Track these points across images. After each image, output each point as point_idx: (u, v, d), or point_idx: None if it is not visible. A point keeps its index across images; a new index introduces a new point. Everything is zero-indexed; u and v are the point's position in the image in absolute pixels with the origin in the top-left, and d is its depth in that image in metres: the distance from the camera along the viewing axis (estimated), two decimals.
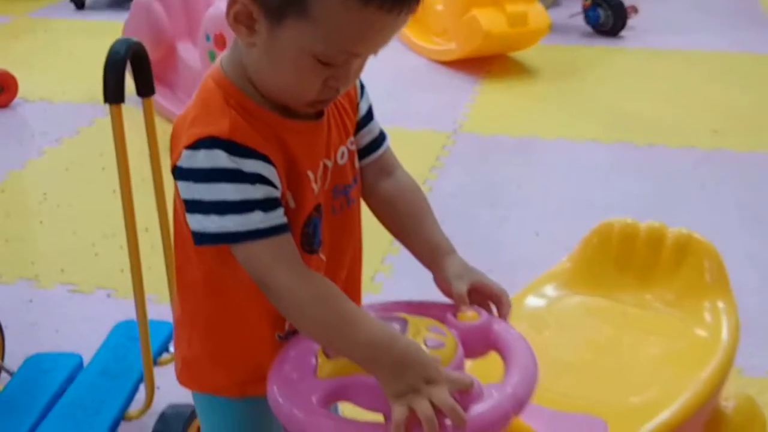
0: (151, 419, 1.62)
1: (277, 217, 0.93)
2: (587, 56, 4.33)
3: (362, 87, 1.10)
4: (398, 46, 4.44)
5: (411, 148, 3.13)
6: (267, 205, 0.92)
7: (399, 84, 3.95)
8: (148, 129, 1.50)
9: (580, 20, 4.66)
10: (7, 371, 1.83)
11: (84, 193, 2.85)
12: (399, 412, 0.86)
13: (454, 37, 4.03)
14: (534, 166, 3.07)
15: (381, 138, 1.12)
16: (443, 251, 1.08)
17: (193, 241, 0.95)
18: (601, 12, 4.56)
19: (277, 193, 0.94)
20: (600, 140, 3.27)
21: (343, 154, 1.04)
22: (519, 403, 0.93)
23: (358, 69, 0.95)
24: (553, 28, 4.48)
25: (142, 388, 1.66)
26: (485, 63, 4.09)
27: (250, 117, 0.94)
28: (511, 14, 3.81)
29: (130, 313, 1.62)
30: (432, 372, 0.88)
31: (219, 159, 0.90)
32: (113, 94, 1.35)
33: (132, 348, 1.75)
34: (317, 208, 1.01)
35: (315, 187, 0.99)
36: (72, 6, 5.34)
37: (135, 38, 1.44)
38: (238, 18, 0.90)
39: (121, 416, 1.63)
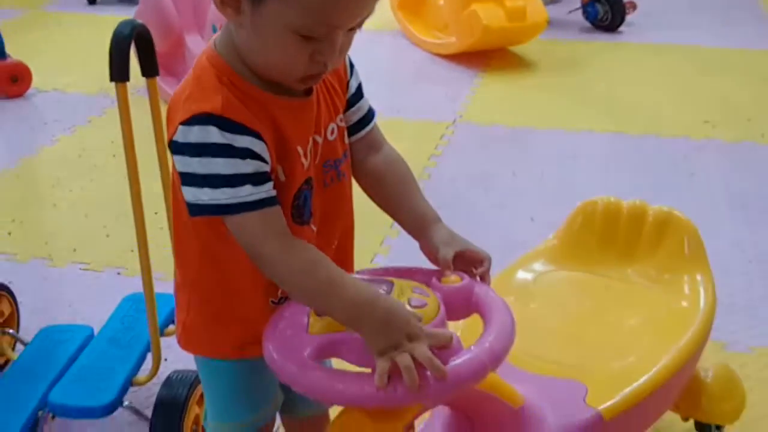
0: (157, 386, 1.68)
1: (266, 190, 0.97)
2: (585, 50, 4.40)
3: (351, 66, 1.14)
4: (401, 40, 4.53)
5: (411, 137, 3.24)
6: (256, 179, 0.96)
7: (402, 77, 4.04)
8: (152, 108, 1.55)
9: (579, 16, 4.73)
10: (22, 342, 1.92)
11: (96, 178, 2.94)
12: (382, 365, 0.92)
13: (455, 31, 4.11)
14: (530, 154, 3.14)
15: (370, 115, 1.16)
16: (430, 220, 1.13)
17: (188, 212, 1.00)
18: (599, 8, 4.62)
19: (266, 168, 0.98)
20: (595, 130, 3.35)
21: (332, 130, 1.09)
22: (495, 357, 0.99)
23: (345, 44, 0.98)
24: (553, 24, 4.55)
25: (149, 357, 1.74)
26: (485, 56, 4.17)
27: (241, 94, 0.98)
28: (510, 9, 3.88)
29: (138, 289, 1.68)
30: (413, 329, 0.93)
31: (212, 134, 0.94)
32: (118, 72, 1.38)
33: (139, 319, 1.82)
34: (307, 181, 1.05)
35: (305, 161, 1.03)
36: (84, 1, 5.43)
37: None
38: (225, 1, 0.94)
39: (130, 382, 1.70)
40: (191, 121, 0.95)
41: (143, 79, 1.55)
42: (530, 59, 4.22)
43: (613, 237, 1.68)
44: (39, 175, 3.08)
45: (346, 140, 1.13)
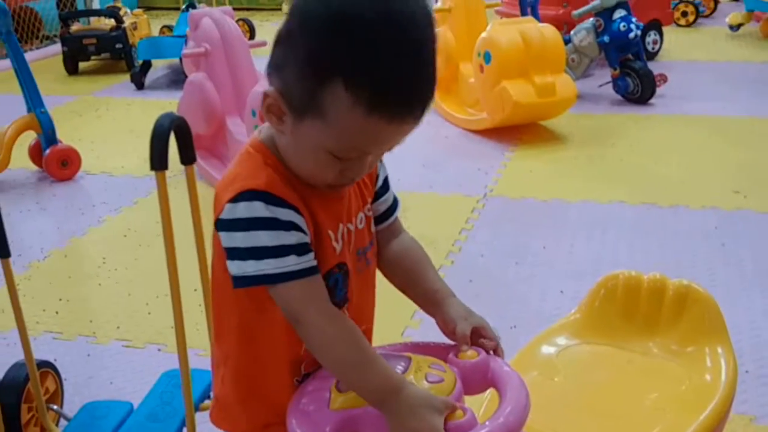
0: None
1: (309, 260, 1.04)
2: (616, 123, 4.46)
3: (380, 160, 1.22)
4: (434, 117, 4.64)
5: (443, 211, 3.30)
6: (300, 249, 1.02)
7: (434, 153, 4.12)
8: (190, 192, 1.64)
9: (609, 89, 4.80)
10: (65, 417, 1.99)
11: (140, 258, 3.05)
12: None
13: (486, 107, 4.21)
14: (560, 227, 3.17)
15: (394, 206, 1.24)
16: (443, 294, 1.18)
17: (232, 285, 1.06)
18: (630, 81, 4.70)
19: (307, 239, 1.04)
20: (625, 202, 3.37)
21: (361, 219, 1.16)
22: (509, 431, 1.01)
23: (373, 162, 1.06)
24: (584, 97, 4.65)
25: (185, 431, 1.79)
26: (516, 131, 4.26)
27: (282, 176, 1.06)
28: (539, 85, 3.97)
29: (177, 365, 1.73)
30: (430, 426, 0.98)
31: (257, 209, 1.01)
32: (158, 162, 1.48)
33: (177, 394, 1.89)
34: (339, 266, 1.11)
35: (336, 246, 1.10)
36: (132, 86, 5.69)
37: (183, 114, 1.59)
38: (270, 109, 1.03)
39: None
40: (237, 198, 1.02)
41: None
42: (561, 133, 4.30)
43: (635, 310, 1.71)
44: (86, 254, 3.20)
45: (373, 229, 1.20)
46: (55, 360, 2.13)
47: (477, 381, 1.11)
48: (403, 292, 1.23)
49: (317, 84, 0.96)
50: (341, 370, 1.05)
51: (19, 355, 1.87)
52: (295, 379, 1.14)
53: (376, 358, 1.03)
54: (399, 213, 1.25)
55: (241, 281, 1.04)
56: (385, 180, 1.23)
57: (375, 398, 1.01)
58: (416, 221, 2.88)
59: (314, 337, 1.04)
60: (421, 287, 1.20)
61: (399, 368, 1.07)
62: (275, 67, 1.02)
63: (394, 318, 2.42)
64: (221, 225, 1.05)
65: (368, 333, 1.22)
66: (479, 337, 1.15)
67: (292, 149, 1.05)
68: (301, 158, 1.05)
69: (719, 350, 1.62)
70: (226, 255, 1.05)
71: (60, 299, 2.77)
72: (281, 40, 1.01)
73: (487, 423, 1.01)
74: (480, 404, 1.44)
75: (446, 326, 1.17)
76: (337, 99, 0.95)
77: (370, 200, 1.19)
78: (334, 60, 0.95)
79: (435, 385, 1.05)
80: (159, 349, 2.43)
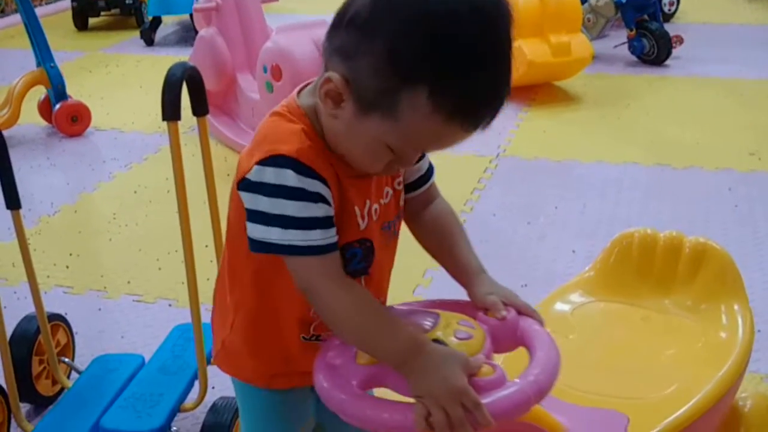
0: (203, 413, 1.75)
1: (333, 235, 1.01)
2: (631, 84, 4.41)
3: None
4: None
5: (455, 171, 3.27)
6: (326, 223, 1.00)
7: None
8: (202, 145, 1.62)
9: (625, 50, 4.74)
10: (77, 370, 2.01)
11: (150, 214, 3.04)
12: (418, 412, 0.95)
13: None
14: (573, 187, 3.15)
15: (429, 173, 1.20)
16: (474, 270, 1.15)
17: (249, 246, 1.03)
18: (646, 42, 4.64)
19: (332, 212, 1.01)
20: (639, 163, 3.35)
21: (387, 193, 1.12)
22: (540, 390, 0.99)
23: (422, 157, 1.06)
24: (599, 58, 4.59)
25: (196, 384, 1.80)
26: (531, 91, 4.21)
27: (315, 145, 1.01)
28: (554, 44, 3.93)
29: (188, 320, 1.75)
30: (452, 388, 0.95)
31: (287, 177, 0.97)
32: (170, 112, 1.46)
33: (188, 348, 1.89)
34: (361, 241, 1.08)
35: (361, 222, 1.07)
36: (142, 42, 5.65)
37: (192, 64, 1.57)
38: (329, 94, 0.97)
39: (178, 408, 1.77)
40: (267, 161, 0.98)
41: (195, 118, 1.64)
42: (575, 93, 4.25)
43: (650, 268, 1.69)
44: (96, 210, 3.20)
45: (401, 202, 1.17)
46: (66, 314, 2.13)
47: (506, 339, 1.09)
48: (435, 259, 1.20)
49: (397, 85, 0.92)
50: (357, 339, 1.03)
51: (30, 309, 1.87)
52: (302, 336, 1.13)
53: (392, 322, 1.02)
54: (432, 181, 1.22)
55: (262, 247, 1.01)
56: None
57: (397, 360, 0.99)
58: None
59: (330, 307, 1.02)
60: (452, 260, 1.17)
61: (427, 324, 1.05)
62: (342, 53, 0.96)
63: (405, 276, 2.42)
64: (246, 185, 1.01)
65: (384, 300, 1.20)
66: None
67: (342, 135, 1.01)
68: (352, 145, 1.01)
69: (735, 307, 1.60)
70: (247, 216, 1.02)
71: (70, 254, 2.77)
72: (355, 23, 0.95)
73: (517, 380, 0.99)
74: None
75: (475, 300, 1.14)
76: (417, 104, 0.92)
77: (401, 174, 1.16)
78: (423, 66, 0.90)
79: (464, 341, 1.03)
80: (170, 305, 2.44)
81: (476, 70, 0.92)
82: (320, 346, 1.11)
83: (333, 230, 1.01)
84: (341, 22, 0.97)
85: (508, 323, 1.09)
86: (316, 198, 0.99)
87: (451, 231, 1.19)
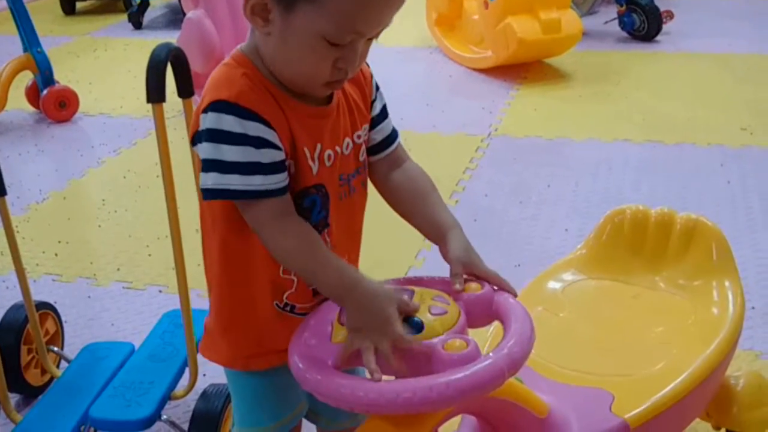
0: (194, 400, 1.73)
1: (278, 181, 1.03)
2: (622, 60, 4.38)
3: (377, 87, 1.20)
4: (437, 56, 4.57)
5: (447, 151, 3.27)
6: (269, 168, 1.01)
7: (438, 92, 4.07)
8: (188, 126, 1.59)
9: (615, 26, 4.71)
10: (66, 359, 1.99)
11: (140, 199, 3.02)
12: (349, 342, 1.02)
13: (490, 45, 4.13)
14: (565, 165, 3.13)
15: (393, 136, 1.22)
16: (446, 227, 1.16)
17: (213, 207, 1.06)
18: (636, 17, 4.60)
19: (280, 156, 1.03)
20: (631, 140, 3.33)
21: (348, 144, 1.13)
22: (514, 362, 1.00)
23: (364, 53, 1.05)
24: (589, 35, 4.56)
25: (187, 371, 1.79)
26: (521, 69, 4.18)
27: (258, 87, 1.03)
28: (544, 21, 3.89)
29: (179, 306, 1.73)
30: (381, 322, 1.00)
31: (226, 121, 1.00)
32: (155, 93, 1.44)
33: (178, 334, 1.87)
34: (317, 187, 1.09)
35: (312, 165, 1.08)
36: (130, 26, 5.59)
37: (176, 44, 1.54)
38: (255, 10, 1.00)
39: (168, 395, 1.75)
40: (208, 108, 1.01)
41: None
42: (566, 71, 4.22)
43: (641, 245, 1.69)
44: (85, 196, 3.18)
45: (361, 157, 1.17)
46: (55, 302, 2.11)
47: (481, 313, 1.10)
48: (407, 221, 1.21)
49: None
50: (303, 276, 1.09)
51: (19, 298, 1.85)
52: (275, 303, 1.13)
53: (331, 260, 1.05)
54: (398, 143, 1.22)
55: (207, 193, 1.04)
56: (383, 108, 1.20)
57: (335, 296, 1.05)
58: (420, 161, 2.67)
59: (273, 250, 1.05)
60: (423, 217, 1.19)
61: (365, 276, 1.07)
62: None
63: (397, 258, 2.41)
64: (195, 138, 1.04)
65: (352, 263, 1.19)
66: (476, 277, 1.14)
67: (282, 50, 1.02)
68: (292, 57, 1.02)
69: (726, 284, 1.60)
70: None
71: (59, 241, 2.75)
72: None
73: (491, 354, 1.00)
74: (485, 339, 1.43)
75: (446, 260, 1.15)
76: None
77: (363, 127, 1.16)
78: None
79: (438, 317, 1.04)
80: (160, 291, 2.42)
81: None
82: (296, 320, 1.11)
83: (278, 176, 1.03)
84: None
85: (482, 297, 1.10)
86: (259, 143, 1.00)
87: (423, 189, 1.20)
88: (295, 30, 0.99)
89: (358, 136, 1.15)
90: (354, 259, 1.22)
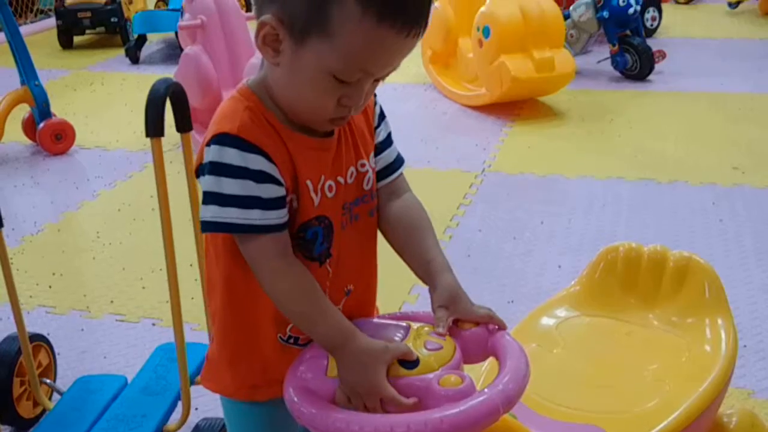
0: None
1: (277, 217, 1.02)
2: (615, 99, 4.43)
3: (382, 115, 1.20)
4: (432, 93, 4.62)
5: (441, 187, 3.29)
6: (269, 204, 1.01)
7: (433, 128, 4.11)
8: (186, 160, 1.62)
9: (608, 65, 4.77)
10: (58, 391, 1.98)
11: (134, 232, 3.02)
12: (340, 396, 1.02)
13: (485, 82, 4.18)
14: (557, 202, 3.15)
15: (397, 164, 1.20)
16: (435, 268, 1.14)
17: (220, 242, 1.07)
18: (628, 57, 4.66)
19: (281, 192, 1.03)
20: (624, 178, 3.36)
21: (351, 173, 1.13)
22: (508, 399, 1.00)
23: (370, 92, 1.06)
24: (582, 74, 4.62)
25: (180, 405, 1.78)
26: (515, 107, 4.23)
27: (260, 121, 1.03)
28: (538, 60, 3.94)
29: (173, 339, 1.73)
30: (371, 384, 0.99)
31: (228, 154, 1.00)
32: (153, 128, 1.46)
33: (171, 368, 1.88)
34: (319, 218, 1.08)
35: (314, 197, 1.07)
36: (127, 61, 5.64)
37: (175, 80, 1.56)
38: (266, 40, 1.00)
39: (160, 429, 1.75)
40: (211, 141, 1.02)
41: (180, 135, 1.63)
42: (559, 109, 4.27)
43: (635, 282, 1.69)
44: (80, 229, 3.18)
45: (366, 186, 1.16)
46: (48, 334, 2.10)
47: (477, 350, 1.10)
48: (398, 254, 1.19)
49: None
50: (294, 321, 1.08)
51: (12, 329, 1.85)
52: (279, 336, 1.13)
53: (326, 310, 1.05)
54: (401, 173, 1.21)
55: (205, 226, 1.04)
56: (388, 136, 1.20)
57: (326, 346, 1.05)
58: None
59: (269, 291, 1.05)
60: (414, 254, 1.17)
61: (397, 336, 1.06)
62: None
63: (391, 293, 2.41)
64: (198, 170, 1.05)
65: (361, 293, 1.18)
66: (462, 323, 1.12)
67: (289, 82, 1.03)
68: (299, 90, 1.03)
69: (719, 322, 1.61)
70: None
71: (53, 273, 2.74)
72: None
73: (485, 390, 0.99)
74: (479, 375, 1.43)
75: (433, 306, 1.13)
76: (347, 10, 0.94)
77: (367, 155, 1.16)
78: None
79: (434, 352, 1.04)
80: (153, 324, 2.41)
81: None
82: (299, 352, 1.11)
83: (277, 212, 1.03)
84: None
85: (478, 334, 1.10)
86: (259, 177, 1.01)
87: (418, 225, 1.18)
88: (304, 64, 0.99)
89: (362, 165, 1.15)
90: (363, 289, 1.19)
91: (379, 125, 1.19)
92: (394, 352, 1.02)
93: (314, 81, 1.00)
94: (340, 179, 1.11)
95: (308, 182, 1.07)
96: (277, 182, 1.03)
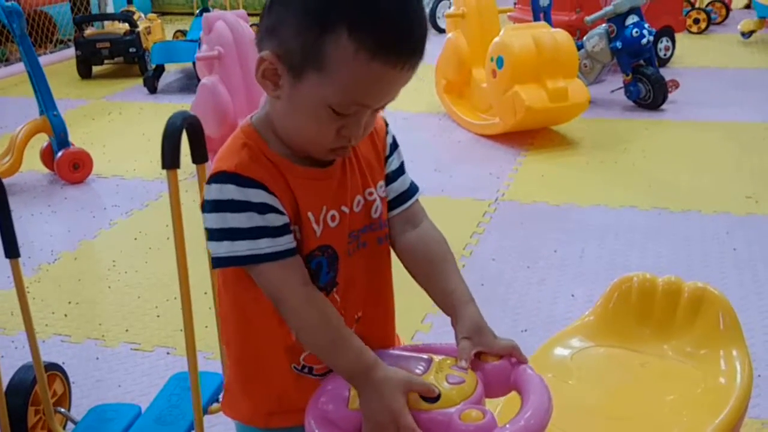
0: None
1: (285, 243, 1.04)
2: (628, 128, 4.44)
3: (394, 144, 1.20)
4: (446, 122, 4.64)
5: (455, 215, 3.29)
6: (275, 231, 1.03)
7: (446, 157, 4.12)
8: (201, 191, 1.63)
9: (621, 95, 4.79)
10: (73, 420, 1.99)
11: (150, 261, 3.04)
12: (367, 427, 1.01)
13: (499, 112, 4.20)
14: (571, 231, 3.15)
15: (411, 192, 1.20)
16: (459, 300, 1.14)
17: (228, 272, 1.08)
18: (642, 87, 4.68)
19: (285, 220, 1.04)
20: (637, 207, 3.35)
21: (359, 202, 1.13)
22: None
23: (369, 123, 1.07)
24: (596, 103, 4.63)
25: None
26: (528, 136, 4.25)
27: (261, 157, 1.06)
28: (552, 90, 3.96)
29: (187, 368, 1.71)
30: (390, 417, 0.99)
31: (228, 191, 1.03)
32: (169, 160, 1.48)
33: (185, 397, 1.87)
34: (321, 249, 1.09)
35: (316, 228, 1.08)
36: (145, 90, 5.71)
37: (193, 113, 1.58)
38: (266, 75, 1.02)
39: None
40: (211, 180, 1.05)
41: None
42: (573, 138, 4.28)
43: (649, 313, 1.69)
44: (96, 257, 3.20)
45: (374, 214, 1.16)
46: (64, 363, 2.12)
47: (499, 384, 1.09)
48: (419, 284, 1.19)
49: (319, 34, 0.97)
50: (315, 351, 1.09)
51: (28, 358, 1.86)
52: (293, 366, 1.13)
53: (346, 339, 1.05)
54: (416, 200, 1.20)
55: (217, 262, 1.06)
56: (401, 165, 1.20)
57: (346, 377, 1.05)
58: None
59: (289, 319, 1.06)
60: (435, 285, 1.16)
61: (419, 369, 1.06)
62: (269, 30, 1.02)
63: (404, 321, 2.38)
64: (203, 208, 1.07)
65: (372, 319, 1.18)
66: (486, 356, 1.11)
67: (289, 114, 1.05)
68: (298, 121, 1.04)
69: (734, 353, 1.60)
70: (206, 236, 1.07)
71: (69, 302, 2.76)
72: (273, 1, 1.02)
73: (507, 426, 0.99)
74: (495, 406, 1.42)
75: (456, 338, 1.13)
76: (341, 47, 0.96)
77: (377, 183, 1.16)
78: (336, 7, 0.96)
79: (456, 386, 1.03)
80: (168, 353, 2.42)
81: (387, 2, 0.97)
82: (315, 381, 1.11)
83: (285, 238, 1.04)
84: (265, 9, 1.04)
85: (501, 367, 1.09)
86: (263, 209, 1.03)
87: (437, 255, 1.18)
88: (302, 97, 1.02)
89: (370, 193, 1.15)
90: (374, 316, 1.19)
91: (391, 154, 1.19)
92: (415, 385, 1.02)
93: (312, 114, 1.02)
94: (345, 209, 1.11)
95: (309, 214, 1.08)
96: (279, 211, 1.04)
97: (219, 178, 1.04)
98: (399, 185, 1.19)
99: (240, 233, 1.03)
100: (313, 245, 1.09)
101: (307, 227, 1.08)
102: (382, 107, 1.06)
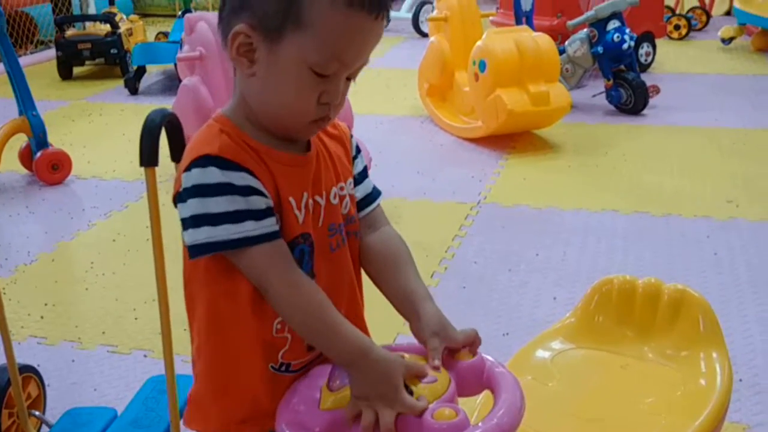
0: None
1: (270, 225, 1.02)
2: (609, 133, 4.45)
3: (358, 149, 1.22)
4: (428, 125, 4.64)
5: (436, 218, 3.29)
6: (259, 214, 1.01)
7: (428, 160, 4.12)
8: (175, 186, 1.62)
9: (603, 99, 4.81)
10: (47, 424, 1.95)
11: (128, 263, 3.01)
12: (350, 409, 1.01)
13: (481, 115, 4.20)
14: (553, 234, 3.15)
15: (374, 195, 1.22)
16: (417, 297, 1.13)
17: (188, 256, 1.04)
18: (623, 92, 4.70)
19: (269, 203, 1.03)
20: (618, 210, 3.36)
21: (335, 195, 1.13)
22: None
23: (344, 90, 1.08)
24: (578, 107, 4.65)
25: None
26: (510, 139, 4.25)
27: (237, 142, 1.04)
28: (534, 94, 3.97)
29: (164, 371, 1.68)
30: (390, 392, 0.99)
31: (211, 174, 1.00)
32: (148, 158, 1.46)
33: (162, 400, 1.84)
34: (304, 236, 1.08)
35: (298, 214, 1.07)
36: (126, 91, 5.67)
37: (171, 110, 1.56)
38: (240, 50, 1.03)
39: None
40: (190, 166, 1.02)
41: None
42: (555, 141, 4.29)
43: (629, 315, 1.69)
44: (74, 259, 3.16)
45: (344, 210, 1.16)
46: (39, 365, 2.08)
47: (472, 382, 1.10)
48: (378, 288, 1.18)
49: None
50: (308, 337, 1.07)
51: (2, 360, 1.83)
52: (271, 366, 1.11)
53: (343, 324, 1.04)
54: (378, 204, 1.22)
55: (195, 250, 1.03)
56: (364, 169, 1.22)
57: (344, 361, 1.04)
58: (410, 228, 2.84)
59: (279, 305, 1.04)
60: (394, 285, 1.16)
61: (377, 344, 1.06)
62: (237, 7, 1.03)
63: (385, 324, 2.37)
64: (178, 198, 1.04)
65: (348, 316, 1.14)
66: (455, 351, 1.11)
67: (269, 87, 1.04)
68: (279, 91, 1.04)
69: (714, 355, 1.61)
70: (182, 228, 1.04)
71: (45, 304, 2.73)
72: None
73: (480, 424, 0.99)
74: (474, 408, 1.41)
75: (418, 336, 1.13)
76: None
77: (347, 180, 1.17)
78: None
79: (428, 385, 1.04)
80: (145, 355, 2.39)
81: None
82: (290, 380, 1.10)
83: (270, 220, 1.03)
84: None
85: (473, 366, 1.10)
86: (246, 191, 1.01)
87: (397, 257, 1.18)
88: (282, 61, 1.01)
89: (342, 188, 1.16)
90: (347, 314, 1.16)
91: (356, 156, 1.21)
92: (411, 366, 1.03)
93: (294, 78, 1.02)
94: (319, 199, 1.11)
95: (291, 199, 1.07)
96: (263, 194, 1.03)
97: (201, 161, 1.01)
98: (364, 187, 1.21)
99: (221, 217, 1.01)
100: (296, 232, 1.07)
101: (288, 213, 1.06)
102: (356, 73, 1.07)
